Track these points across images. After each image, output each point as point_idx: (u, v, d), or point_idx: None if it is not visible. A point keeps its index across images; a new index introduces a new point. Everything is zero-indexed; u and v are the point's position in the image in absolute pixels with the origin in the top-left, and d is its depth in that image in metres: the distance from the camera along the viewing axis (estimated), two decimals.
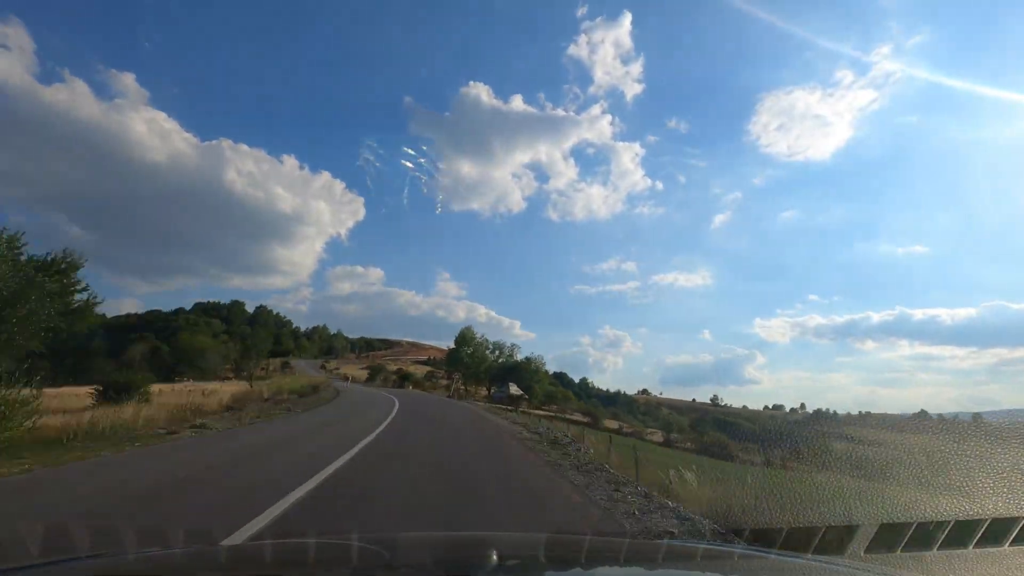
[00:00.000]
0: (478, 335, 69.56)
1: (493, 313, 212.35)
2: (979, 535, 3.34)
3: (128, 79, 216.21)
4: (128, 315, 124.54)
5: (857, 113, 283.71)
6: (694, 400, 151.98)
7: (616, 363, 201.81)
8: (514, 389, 65.45)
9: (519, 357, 69.85)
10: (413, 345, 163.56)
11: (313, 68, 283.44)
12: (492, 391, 68.35)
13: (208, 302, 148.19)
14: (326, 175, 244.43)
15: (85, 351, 48.47)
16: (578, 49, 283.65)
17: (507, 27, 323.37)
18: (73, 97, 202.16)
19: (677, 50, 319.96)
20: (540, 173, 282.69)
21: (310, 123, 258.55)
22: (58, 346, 20.34)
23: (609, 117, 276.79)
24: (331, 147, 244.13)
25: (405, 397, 33.13)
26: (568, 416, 44.59)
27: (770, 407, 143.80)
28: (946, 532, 3.37)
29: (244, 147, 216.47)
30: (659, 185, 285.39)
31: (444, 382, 69.37)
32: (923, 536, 3.37)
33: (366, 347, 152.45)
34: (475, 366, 67.59)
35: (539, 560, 1.48)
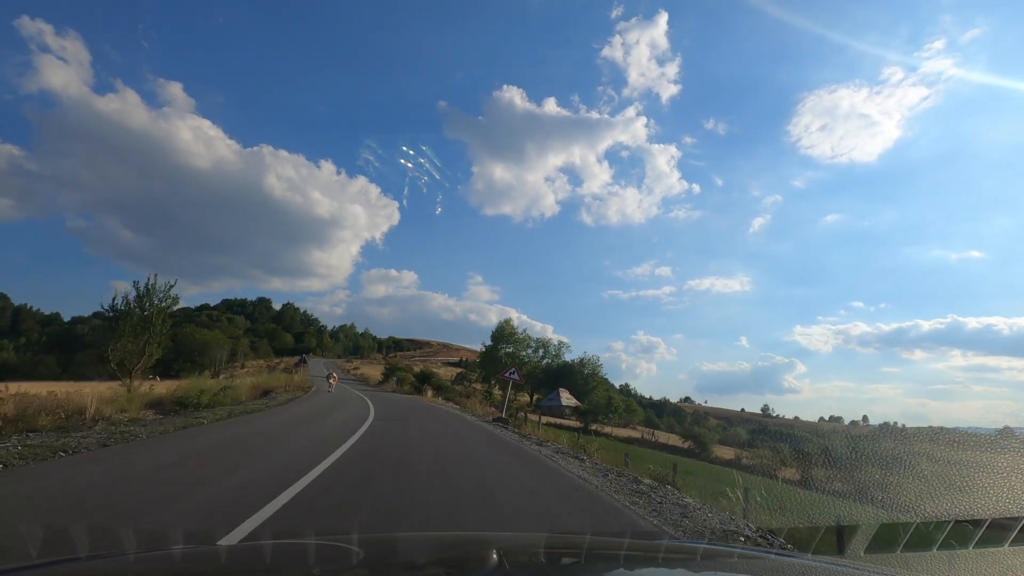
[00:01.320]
0: (519, 330, 57.26)
1: (525, 317, 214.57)
2: None
3: (176, 88, 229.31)
4: None
5: (907, 112, 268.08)
6: (743, 410, 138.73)
7: (650, 369, 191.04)
8: (566, 397, 52.72)
9: (566, 357, 57.07)
10: (444, 346, 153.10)
11: (350, 75, 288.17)
12: (536, 399, 55.87)
13: (234, 299, 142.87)
14: (362, 180, 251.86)
15: None
16: (612, 51, 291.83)
17: (540, 30, 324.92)
18: (125, 106, 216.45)
19: (715, 49, 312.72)
20: (574, 176, 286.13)
21: (347, 129, 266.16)
22: None
23: (644, 119, 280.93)
24: (366, 152, 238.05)
25: (396, 419, 21.53)
26: (656, 439, 31.91)
27: (826, 418, 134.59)
28: None
29: (284, 153, 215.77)
30: (695, 188, 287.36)
31: (478, 386, 56.86)
32: None
33: (394, 347, 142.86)
34: (520, 363, 54.96)
35: (539, 560, 1.46)
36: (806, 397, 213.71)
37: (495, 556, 1.31)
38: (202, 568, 1.34)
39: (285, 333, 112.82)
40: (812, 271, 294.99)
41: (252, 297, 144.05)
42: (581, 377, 53.01)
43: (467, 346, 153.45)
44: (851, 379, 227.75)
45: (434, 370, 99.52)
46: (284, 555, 1.48)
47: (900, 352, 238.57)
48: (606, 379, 57.63)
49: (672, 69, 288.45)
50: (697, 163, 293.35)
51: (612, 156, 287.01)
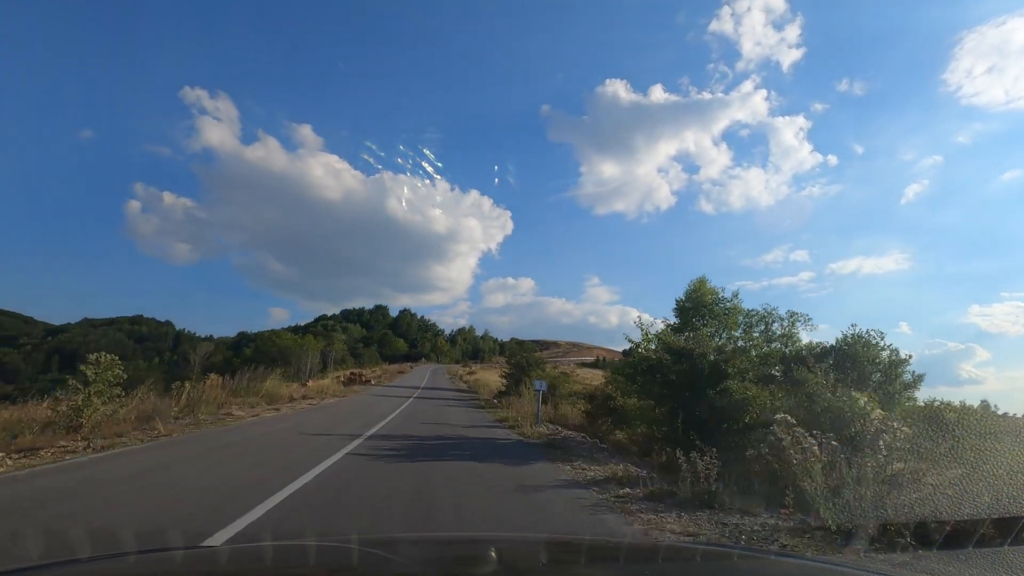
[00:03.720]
0: (724, 296, 32.61)
1: (648, 317, 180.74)
2: None
3: (306, 130, 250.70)
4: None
5: None
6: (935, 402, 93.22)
7: None
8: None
9: (807, 337, 31.58)
10: (574, 346, 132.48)
11: (454, 89, 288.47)
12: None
13: (351, 309, 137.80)
14: (474, 193, 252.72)
15: None
16: (720, 24, 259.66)
17: (638, 15, 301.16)
18: (268, 152, 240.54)
19: None
20: (688, 164, 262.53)
21: (456, 146, 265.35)
22: None
23: (763, 92, 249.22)
24: (476, 165, 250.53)
25: None
26: None
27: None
28: None
29: (402, 176, 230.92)
30: (831, 160, 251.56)
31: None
32: None
33: (518, 349, 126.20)
34: (729, 358, 29.83)
35: (539, 560, 1.47)
36: (992, 388, 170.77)
37: (495, 557, 1.31)
38: (202, 568, 1.35)
39: (397, 339, 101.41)
40: (989, 240, 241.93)
41: (372, 308, 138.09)
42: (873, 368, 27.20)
43: (601, 345, 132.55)
44: None
45: (573, 373, 77.97)
46: (284, 556, 1.51)
47: None
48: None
49: (792, 32, 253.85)
50: (832, 131, 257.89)
51: (730, 137, 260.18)
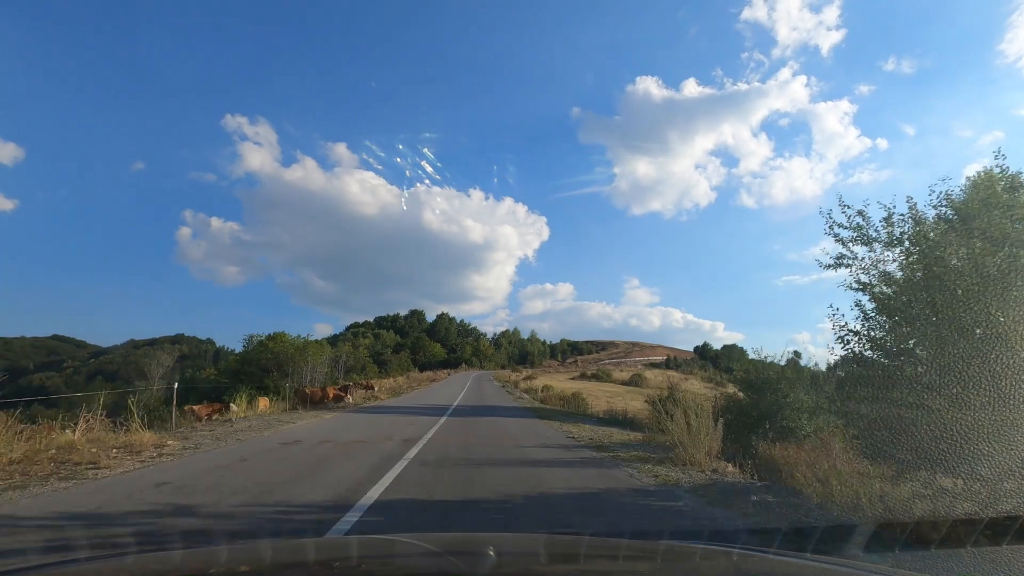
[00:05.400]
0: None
1: (691, 316, 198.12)
2: None
3: (341, 148, 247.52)
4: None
5: None
6: None
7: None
8: None
9: None
10: (634, 345, 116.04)
11: (483, 99, 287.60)
12: None
13: (385, 315, 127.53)
14: (508, 200, 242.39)
15: None
16: (753, 11, 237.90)
17: (667, 9, 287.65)
18: (306, 173, 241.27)
19: None
20: (727, 157, 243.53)
21: (489, 154, 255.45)
22: None
23: (803, 78, 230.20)
24: (510, 173, 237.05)
25: None
26: None
27: None
28: None
29: (436, 188, 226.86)
30: (881, 143, 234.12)
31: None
32: None
33: (570, 350, 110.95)
34: None
35: (538, 560, 1.47)
36: None
37: (494, 557, 1.29)
38: (202, 568, 1.35)
39: (432, 343, 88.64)
40: None
41: (407, 313, 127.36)
42: None
43: (663, 344, 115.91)
44: None
45: (646, 375, 61.96)
46: (284, 555, 1.51)
47: None
48: None
49: (831, 13, 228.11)
50: (879, 114, 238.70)
51: (769, 127, 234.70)
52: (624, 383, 54.49)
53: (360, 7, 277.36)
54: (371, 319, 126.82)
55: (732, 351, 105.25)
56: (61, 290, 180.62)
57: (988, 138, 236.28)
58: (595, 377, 62.89)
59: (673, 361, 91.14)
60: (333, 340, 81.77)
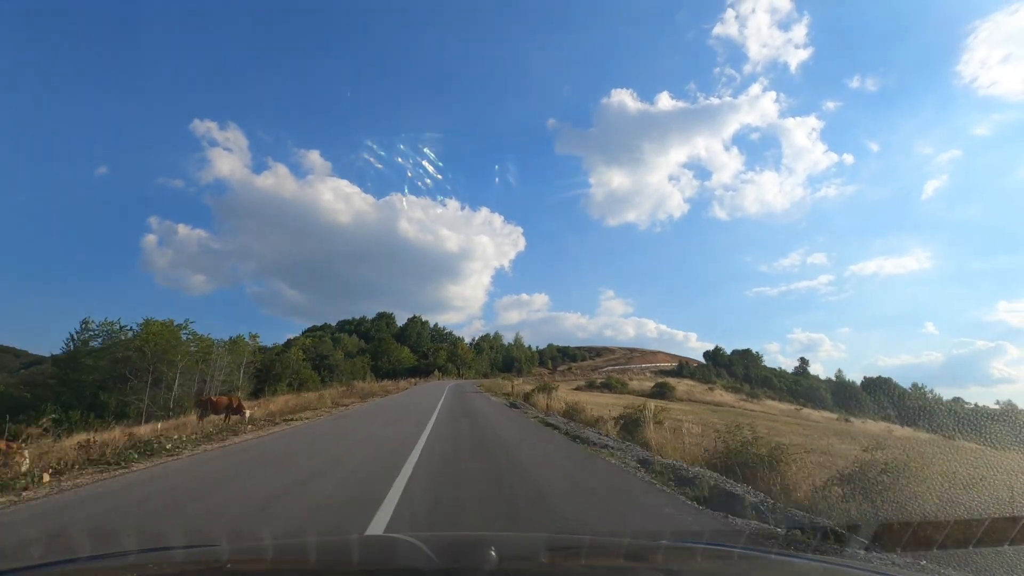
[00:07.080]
0: None
1: (664, 327, 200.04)
2: None
3: (314, 155, 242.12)
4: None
5: None
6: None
7: (816, 370, 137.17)
8: None
9: None
10: (633, 351, 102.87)
11: (458, 108, 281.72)
12: None
13: (348, 319, 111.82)
14: (484, 210, 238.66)
15: None
16: (725, 27, 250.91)
17: (641, 24, 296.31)
18: (277, 179, 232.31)
19: None
20: (700, 170, 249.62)
21: (464, 164, 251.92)
22: None
23: (772, 94, 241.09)
24: (485, 183, 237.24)
25: None
26: None
27: None
28: None
29: (412, 197, 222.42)
30: (847, 159, 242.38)
31: None
32: None
33: (561, 357, 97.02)
34: None
35: (539, 560, 1.45)
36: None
37: (495, 557, 1.27)
38: (202, 568, 1.31)
39: (400, 347, 73.65)
40: (1014, 233, 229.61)
41: (373, 316, 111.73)
42: None
43: (664, 351, 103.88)
44: None
45: (673, 384, 48.35)
46: (284, 555, 1.47)
47: None
48: None
49: (799, 31, 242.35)
50: (845, 130, 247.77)
51: (741, 140, 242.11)
52: (647, 395, 40.95)
53: (334, 13, 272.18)
54: (333, 323, 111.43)
55: (747, 356, 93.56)
56: (3, 298, 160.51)
57: (946, 156, 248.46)
58: (606, 387, 49.08)
59: (686, 367, 78.24)
60: (289, 344, 65.98)
